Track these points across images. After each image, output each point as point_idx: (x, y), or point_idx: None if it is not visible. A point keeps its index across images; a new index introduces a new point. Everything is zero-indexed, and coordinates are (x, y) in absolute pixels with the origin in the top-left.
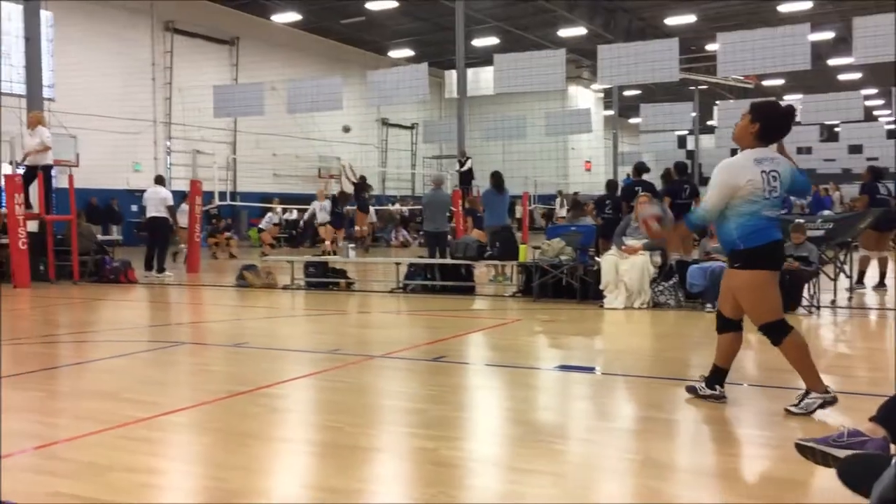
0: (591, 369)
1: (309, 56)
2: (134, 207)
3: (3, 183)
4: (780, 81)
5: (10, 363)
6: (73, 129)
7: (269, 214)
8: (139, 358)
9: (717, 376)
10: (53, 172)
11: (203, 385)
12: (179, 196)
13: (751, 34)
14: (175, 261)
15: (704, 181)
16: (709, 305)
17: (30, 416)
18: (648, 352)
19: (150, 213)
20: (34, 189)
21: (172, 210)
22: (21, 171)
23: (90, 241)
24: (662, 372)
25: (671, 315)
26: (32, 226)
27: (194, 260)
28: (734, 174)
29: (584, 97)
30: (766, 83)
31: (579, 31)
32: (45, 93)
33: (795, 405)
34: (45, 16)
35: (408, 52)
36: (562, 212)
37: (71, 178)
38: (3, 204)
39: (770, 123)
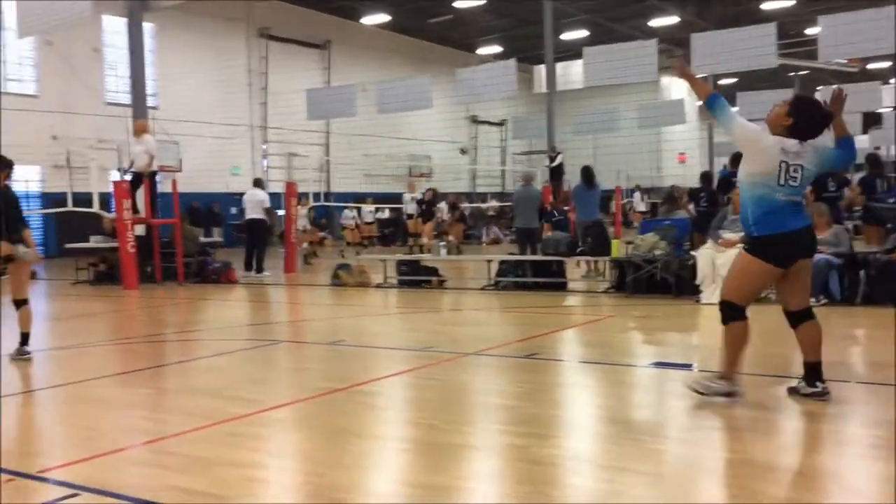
0: (687, 366)
1: (398, 56)
2: (233, 210)
3: (113, 189)
4: (886, 64)
5: (121, 362)
6: (176, 136)
7: (346, 211)
8: (240, 356)
9: (813, 372)
10: (158, 178)
11: (301, 382)
12: (276, 198)
13: (853, 16)
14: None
15: None
16: (812, 299)
17: (140, 413)
18: (747, 348)
19: (249, 214)
20: (141, 194)
21: (270, 211)
22: (128, 177)
23: (193, 243)
24: (762, 369)
25: (772, 310)
26: (140, 230)
27: (291, 260)
28: (755, 143)
29: (678, 88)
30: (871, 66)
31: (671, 19)
32: (149, 101)
33: (699, 383)
34: (148, 28)
35: (496, 49)
36: (640, 206)
37: (174, 182)
38: (113, 209)
39: (804, 125)
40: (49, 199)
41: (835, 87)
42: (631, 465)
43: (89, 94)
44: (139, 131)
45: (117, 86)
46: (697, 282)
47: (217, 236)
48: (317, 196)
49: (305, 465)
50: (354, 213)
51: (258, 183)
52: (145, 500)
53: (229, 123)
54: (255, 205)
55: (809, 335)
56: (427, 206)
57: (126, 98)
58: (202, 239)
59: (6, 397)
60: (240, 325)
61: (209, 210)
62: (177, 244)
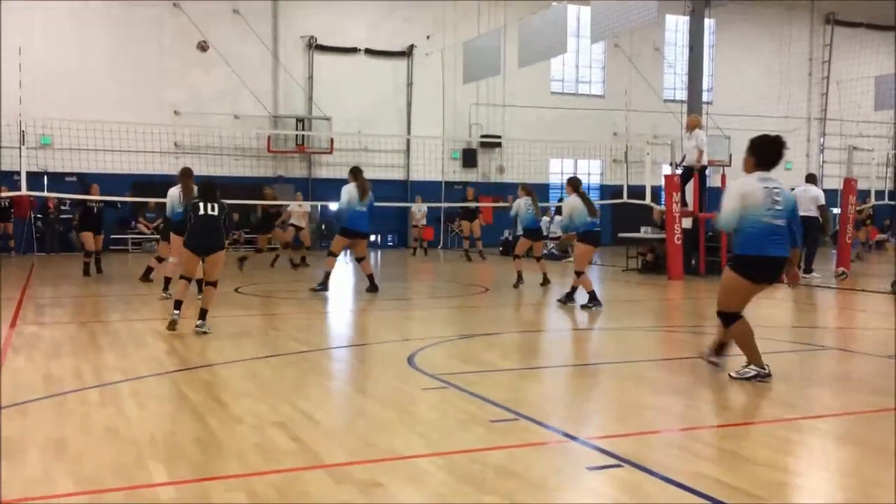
0: None
1: None
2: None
3: (664, 183)
4: None
5: (662, 348)
6: (727, 130)
7: None
8: (782, 357)
9: None
10: (707, 172)
11: (849, 394)
12: (831, 195)
13: None
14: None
15: None
16: None
17: (679, 399)
18: None
19: (800, 212)
20: (690, 188)
21: (824, 209)
22: (679, 171)
23: None
24: None
25: None
26: (686, 222)
27: (844, 261)
28: (741, 187)
29: None
30: None
31: None
32: (704, 97)
33: (736, 371)
34: (708, 24)
35: None
36: None
37: (724, 177)
38: (663, 202)
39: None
40: (607, 191)
41: None
42: None
43: (648, 91)
44: (691, 126)
45: (675, 83)
46: None
47: None
48: (880, 194)
49: (850, 481)
50: None
51: (811, 178)
52: (680, 484)
53: (784, 116)
54: (807, 201)
55: None
56: None
57: (682, 94)
58: None
59: (569, 367)
60: (783, 325)
61: None
62: (721, 238)
